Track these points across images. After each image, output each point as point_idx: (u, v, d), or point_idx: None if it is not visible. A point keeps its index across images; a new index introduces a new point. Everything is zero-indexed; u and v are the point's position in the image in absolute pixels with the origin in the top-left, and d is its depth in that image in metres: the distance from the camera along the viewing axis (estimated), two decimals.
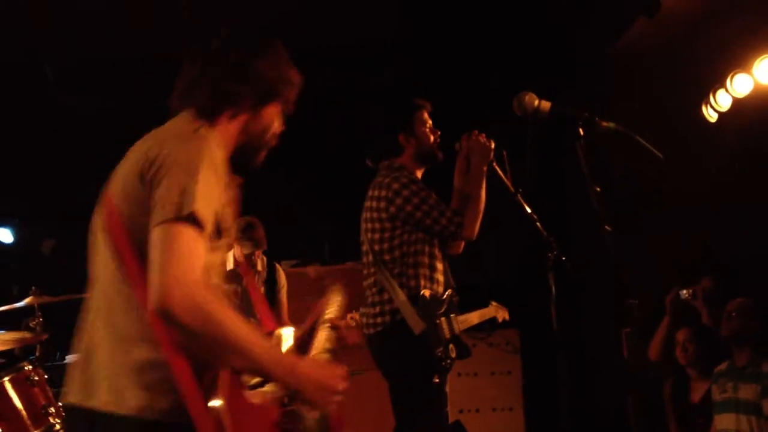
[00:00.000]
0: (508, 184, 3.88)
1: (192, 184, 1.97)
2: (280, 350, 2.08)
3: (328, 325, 2.61)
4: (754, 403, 4.52)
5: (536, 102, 2.70)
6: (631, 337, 2.90)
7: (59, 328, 5.33)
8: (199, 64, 2.31)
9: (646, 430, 5.35)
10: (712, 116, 5.56)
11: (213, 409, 1.89)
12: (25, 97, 6.50)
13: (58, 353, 5.84)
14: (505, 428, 6.56)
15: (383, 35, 6.18)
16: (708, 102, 5.52)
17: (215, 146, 2.14)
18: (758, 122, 5.23)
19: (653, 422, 5.34)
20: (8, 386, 4.15)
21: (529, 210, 3.70)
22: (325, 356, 2.41)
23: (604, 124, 2.53)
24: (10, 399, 4.14)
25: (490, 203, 3.98)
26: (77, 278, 6.16)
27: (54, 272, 6.51)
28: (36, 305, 5.03)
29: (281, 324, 2.55)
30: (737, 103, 5.34)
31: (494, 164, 3.96)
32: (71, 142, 6.75)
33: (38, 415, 4.16)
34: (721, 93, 5.43)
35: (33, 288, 5.09)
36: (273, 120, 2.38)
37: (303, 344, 2.50)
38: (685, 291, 5.24)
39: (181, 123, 2.23)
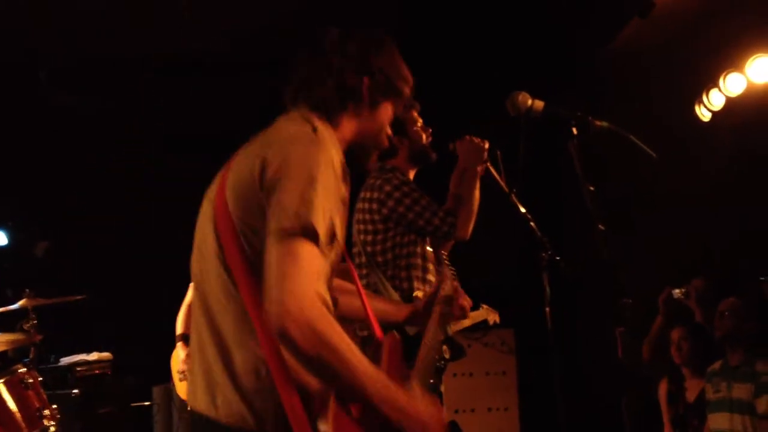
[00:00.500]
0: (503, 184, 3.87)
1: (311, 192, 1.91)
2: (390, 383, 1.96)
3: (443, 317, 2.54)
4: (747, 402, 4.53)
5: (529, 101, 2.69)
6: (626, 337, 2.90)
7: (53, 330, 5.35)
8: (317, 59, 2.23)
9: (641, 429, 5.35)
10: (705, 116, 5.58)
11: None
12: (20, 97, 6.48)
13: (52, 356, 5.84)
14: (501, 428, 6.57)
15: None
16: (701, 101, 5.54)
17: (333, 148, 2.07)
18: (751, 121, 5.25)
19: (648, 422, 5.35)
20: (2, 389, 4.16)
21: (523, 210, 3.70)
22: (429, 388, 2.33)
23: (598, 123, 2.53)
24: (4, 401, 4.15)
25: (485, 203, 3.98)
26: (71, 280, 6.17)
27: (48, 274, 6.50)
28: (30, 308, 5.02)
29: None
30: (730, 102, 5.36)
31: (488, 164, 3.96)
32: (66, 143, 6.74)
33: (32, 417, 4.17)
34: (714, 92, 5.45)
35: (27, 290, 5.08)
36: (388, 118, 2.31)
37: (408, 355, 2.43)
38: (677, 290, 5.25)
39: (296, 122, 2.14)
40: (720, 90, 5.38)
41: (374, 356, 2.19)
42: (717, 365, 4.78)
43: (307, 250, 1.88)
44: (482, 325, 5.22)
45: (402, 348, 2.36)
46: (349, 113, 2.21)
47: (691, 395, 5.04)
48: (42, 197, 6.92)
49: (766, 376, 4.50)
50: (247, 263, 1.96)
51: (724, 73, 5.31)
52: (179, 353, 5.68)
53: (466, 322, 4.91)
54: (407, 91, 2.33)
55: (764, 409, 4.46)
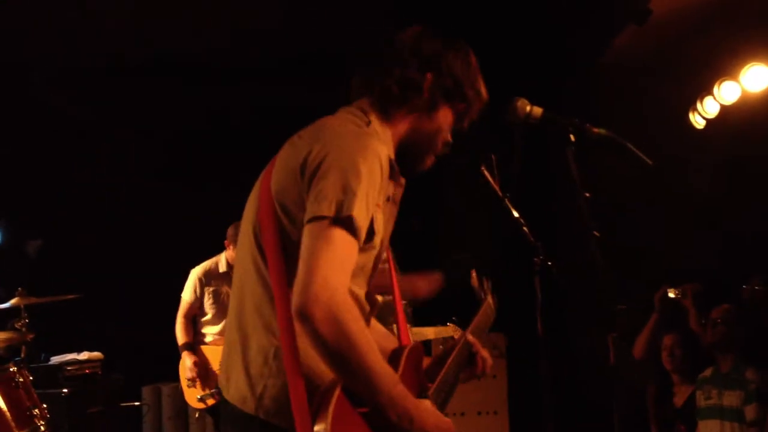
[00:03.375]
0: (497, 188, 3.87)
1: (355, 184, 1.89)
2: (402, 388, 1.93)
3: (466, 348, 2.46)
4: (737, 409, 4.56)
5: (528, 107, 2.67)
6: (617, 342, 2.91)
7: (45, 329, 5.32)
8: (389, 53, 2.20)
9: None
10: (699, 123, 5.61)
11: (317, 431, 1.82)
12: (13, 96, 6.45)
13: (43, 354, 5.81)
14: None
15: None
16: (696, 109, 5.57)
17: (383, 143, 2.05)
18: (745, 129, 5.28)
19: (637, 426, 5.36)
20: None
21: (516, 214, 3.69)
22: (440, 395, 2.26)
23: (596, 130, 2.51)
24: None
25: (478, 207, 3.98)
26: (63, 279, 6.15)
27: (40, 273, 6.47)
28: (22, 306, 4.99)
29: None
30: (725, 110, 5.39)
31: (483, 168, 3.95)
32: (59, 142, 6.72)
33: (23, 416, 4.15)
34: (708, 100, 5.48)
35: (19, 289, 5.05)
36: (447, 124, 2.25)
37: (438, 362, 2.39)
38: (673, 290, 5.25)
39: (351, 114, 2.14)
40: (714, 98, 5.42)
41: (393, 361, 2.15)
42: (708, 372, 4.79)
43: (342, 240, 1.87)
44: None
45: (422, 358, 2.33)
46: (406, 109, 2.18)
47: (678, 400, 5.06)
48: (35, 195, 6.90)
49: (755, 383, 4.53)
50: (281, 247, 1.96)
51: (718, 81, 5.35)
52: (186, 362, 5.68)
53: (430, 335, 4.91)
54: (476, 103, 2.27)
55: (752, 416, 4.49)
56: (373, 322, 2.31)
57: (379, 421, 1.93)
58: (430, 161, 2.29)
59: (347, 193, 1.88)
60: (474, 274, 3.39)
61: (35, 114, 6.58)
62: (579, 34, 5.85)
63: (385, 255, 2.22)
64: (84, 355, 5.83)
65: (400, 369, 2.13)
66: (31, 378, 4.36)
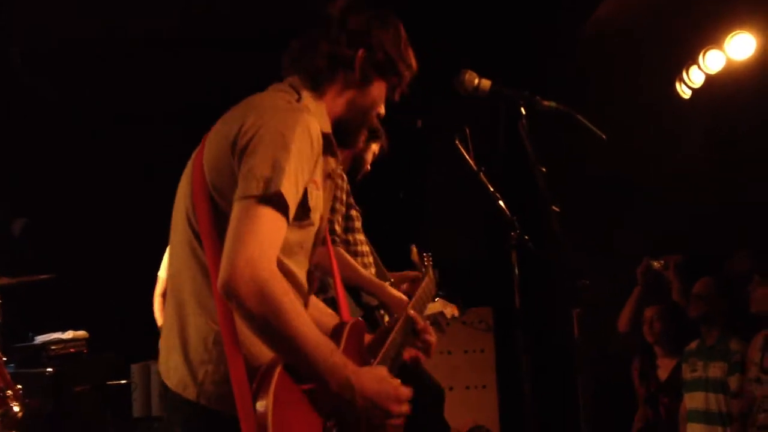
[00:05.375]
0: (471, 162, 3.82)
1: (284, 160, 1.87)
2: (340, 356, 1.90)
3: (409, 323, 2.44)
4: (721, 380, 4.56)
5: (476, 80, 2.61)
6: (582, 318, 2.90)
7: (18, 310, 5.29)
8: (316, 29, 2.19)
9: (598, 410, 5.35)
10: (685, 93, 5.56)
11: (258, 410, 1.79)
12: None
13: (30, 334, 5.80)
14: (479, 405, 6.57)
15: None
16: (681, 79, 5.52)
17: (313, 118, 2.02)
18: (731, 98, 5.22)
19: (618, 400, 5.35)
20: None
21: (491, 189, 3.65)
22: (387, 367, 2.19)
23: (545, 102, 2.46)
24: None
25: (460, 181, 3.94)
26: (36, 259, 6.07)
27: (13, 253, 6.43)
28: None
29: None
30: (710, 79, 5.34)
31: (457, 142, 3.89)
32: (37, 121, 6.67)
33: None
34: (693, 70, 5.43)
35: None
36: (380, 97, 2.25)
37: (380, 338, 2.37)
38: (656, 262, 5.23)
39: (282, 91, 2.12)
40: (699, 67, 5.36)
41: (334, 337, 2.13)
42: (693, 345, 4.79)
43: (269, 216, 1.85)
44: (463, 302, 5.18)
45: (364, 334, 2.31)
46: (339, 85, 2.17)
47: (662, 374, 5.05)
48: (13, 174, 6.85)
49: (738, 354, 4.53)
50: (215, 226, 1.94)
51: (703, 50, 5.29)
52: None
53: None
54: (407, 74, 2.26)
55: (735, 387, 4.49)
56: (313, 299, 2.29)
57: (322, 396, 1.90)
58: (365, 135, 2.31)
59: (276, 169, 1.87)
60: (414, 249, 3.35)
61: (15, 91, 6.52)
62: (562, 5, 5.77)
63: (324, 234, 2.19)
64: (68, 334, 5.80)
65: (342, 344, 2.11)
66: (4, 359, 4.32)
